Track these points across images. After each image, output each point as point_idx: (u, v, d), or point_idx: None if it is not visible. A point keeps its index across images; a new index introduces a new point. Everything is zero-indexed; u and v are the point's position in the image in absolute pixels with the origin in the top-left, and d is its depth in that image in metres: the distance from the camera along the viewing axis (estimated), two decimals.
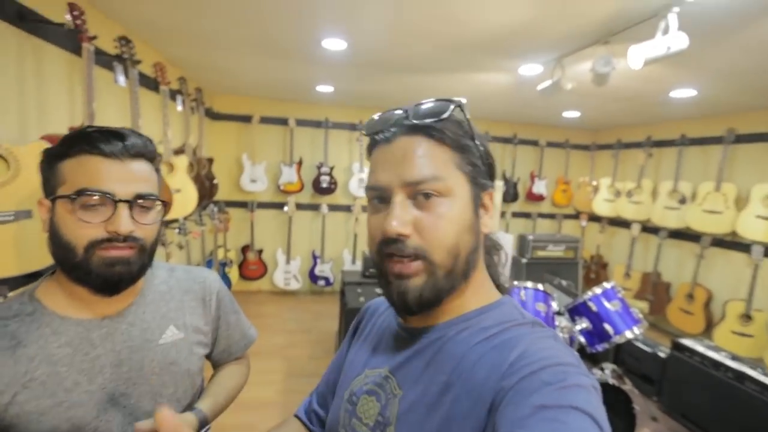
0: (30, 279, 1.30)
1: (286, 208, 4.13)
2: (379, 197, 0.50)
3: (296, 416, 0.74)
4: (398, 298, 0.49)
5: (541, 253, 3.40)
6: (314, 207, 4.37)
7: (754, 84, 2.46)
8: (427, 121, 0.49)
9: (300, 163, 4.23)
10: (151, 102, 2.36)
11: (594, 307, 1.69)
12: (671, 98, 2.95)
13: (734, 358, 2.02)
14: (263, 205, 4.27)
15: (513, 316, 0.50)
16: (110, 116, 1.94)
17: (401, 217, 0.47)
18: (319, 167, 4.25)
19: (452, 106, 0.49)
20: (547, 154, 4.84)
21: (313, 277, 4.33)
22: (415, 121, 0.49)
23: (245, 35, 2.14)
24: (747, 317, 3.04)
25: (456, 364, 0.47)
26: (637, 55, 1.49)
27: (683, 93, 2.78)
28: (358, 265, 4.30)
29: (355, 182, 4.31)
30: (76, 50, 1.58)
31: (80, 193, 0.61)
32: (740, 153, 3.30)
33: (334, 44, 2.20)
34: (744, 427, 1.83)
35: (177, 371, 0.74)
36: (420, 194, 0.47)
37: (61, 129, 1.53)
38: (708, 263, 3.45)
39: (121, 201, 0.63)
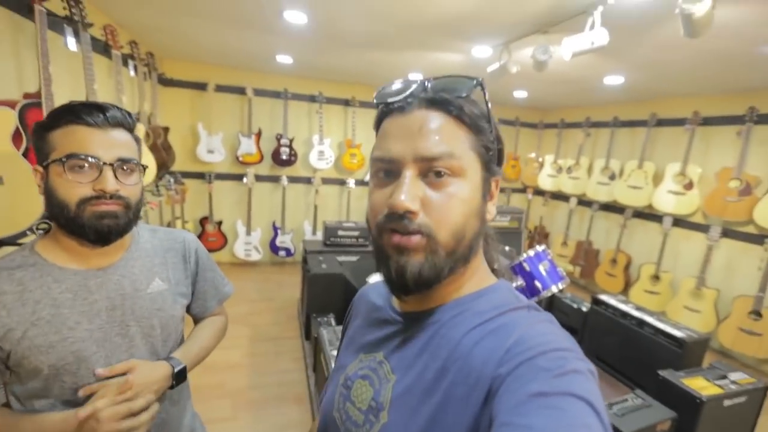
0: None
1: (245, 180, 4.12)
2: (386, 170, 0.48)
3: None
4: (396, 273, 0.47)
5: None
6: (274, 179, 4.38)
7: (667, 74, 2.80)
8: (448, 96, 0.47)
9: (259, 134, 4.19)
10: (102, 67, 2.28)
11: (527, 267, 1.97)
12: (604, 84, 3.26)
13: (638, 308, 2.43)
14: (221, 177, 4.23)
15: (508, 300, 0.49)
16: (64, 81, 1.88)
17: (411, 193, 0.45)
18: (278, 138, 4.24)
19: (473, 83, 0.47)
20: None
21: (274, 248, 4.41)
22: (434, 95, 0.47)
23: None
24: (656, 278, 3.55)
25: (452, 350, 0.46)
26: (567, 48, 1.70)
27: (613, 80, 3.09)
28: (319, 236, 4.42)
29: (315, 154, 4.36)
30: (22, 11, 1.53)
31: (69, 157, 0.71)
32: (660, 135, 3.73)
33: (296, 17, 2.22)
34: (642, 362, 2.24)
35: (163, 315, 0.86)
36: (432, 171, 0.46)
37: (13, 95, 1.50)
38: (629, 232, 3.94)
39: (105, 164, 0.73)
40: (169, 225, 3.52)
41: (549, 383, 0.37)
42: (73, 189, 0.71)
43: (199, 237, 4.15)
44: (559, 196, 4.83)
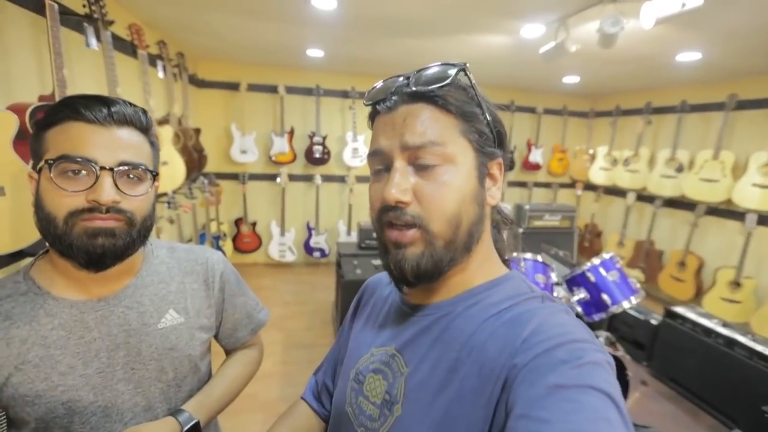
0: (3, 261, 1.25)
1: (278, 180, 4.04)
2: (380, 166, 0.49)
3: (303, 399, 0.72)
4: (395, 267, 0.48)
5: (537, 223, 3.39)
6: (307, 178, 4.27)
7: (762, 46, 2.36)
8: (430, 87, 0.46)
9: (291, 133, 4.10)
10: (128, 68, 2.22)
11: (592, 278, 1.68)
12: (676, 62, 2.84)
13: (725, 325, 2.06)
14: (255, 177, 4.17)
15: (522, 290, 0.49)
16: (84, 84, 1.81)
17: (400, 184, 0.46)
18: (311, 137, 4.12)
19: (454, 71, 0.46)
20: (544, 122, 4.74)
21: (308, 249, 4.31)
22: (416, 88, 0.47)
23: None
24: (736, 284, 3.09)
25: (465, 341, 0.46)
26: (648, 14, 1.40)
27: (688, 56, 2.68)
28: (354, 237, 4.27)
29: (349, 152, 4.20)
30: (40, 10, 1.44)
31: (59, 159, 0.57)
32: (740, 120, 3.24)
33: (324, 3, 2.04)
34: (733, 390, 1.88)
35: (177, 356, 0.71)
36: (420, 161, 0.46)
37: (31, 97, 1.42)
38: (701, 231, 3.47)
39: (103, 168, 0.58)
40: (204, 227, 3.50)
41: (567, 375, 0.36)
42: (62, 198, 0.57)
43: (234, 238, 4.13)
44: (614, 191, 4.38)
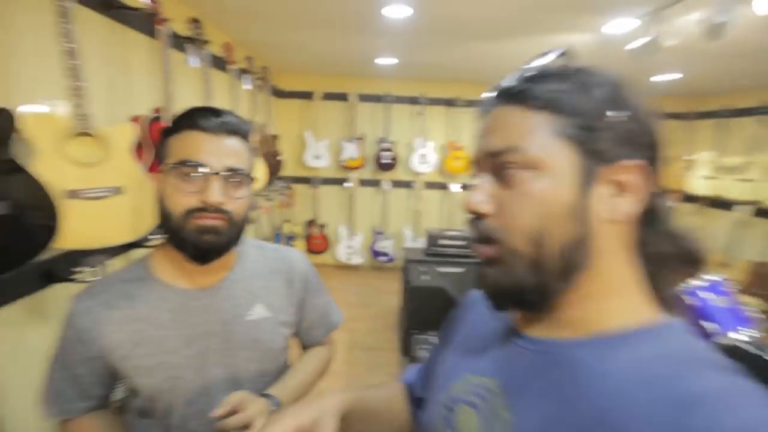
0: (122, 250, 1.44)
1: (348, 184, 4.19)
2: (473, 174, 0.46)
3: (405, 383, 0.68)
4: (480, 284, 0.44)
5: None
6: (375, 183, 4.37)
7: None
8: (512, 84, 0.41)
9: (361, 139, 4.23)
10: (220, 81, 2.46)
11: (695, 301, 1.48)
12: None
13: None
14: (326, 181, 4.37)
15: (691, 352, 0.35)
16: (185, 97, 2.04)
17: (480, 193, 0.42)
18: (380, 143, 4.21)
19: (548, 59, 0.41)
20: None
21: (375, 253, 4.39)
22: (502, 89, 0.42)
23: (305, 8, 2.11)
24: None
25: (599, 410, 0.34)
26: None
27: None
28: (420, 243, 4.26)
29: (417, 158, 4.22)
30: (152, 33, 1.66)
31: (179, 163, 0.65)
32: None
33: (397, 11, 2.08)
34: None
35: (260, 348, 0.77)
36: (502, 168, 0.40)
37: (147, 110, 1.64)
38: None
39: (214, 173, 0.66)
40: (278, 228, 3.74)
41: None
42: (180, 198, 0.66)
43: (306, 239, 4.35)
44: (720, 203, 3.83)
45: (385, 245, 4.38)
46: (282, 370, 0.83)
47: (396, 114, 4.25)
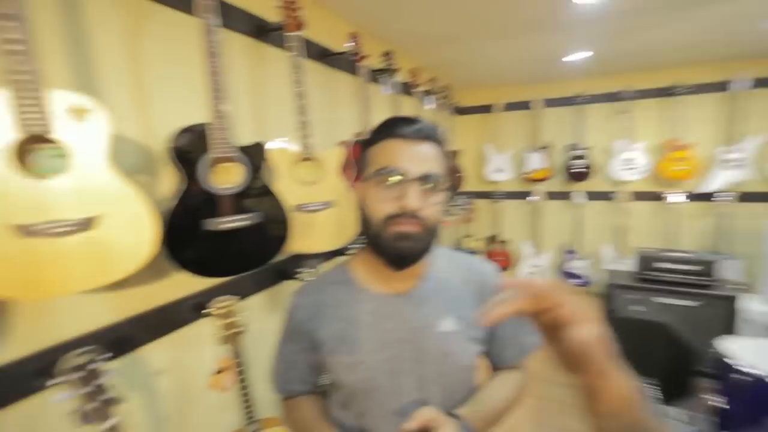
0: (331, 255, 1.69)
1: (532, 198, 3.87)
2: None
3: None
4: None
5: None
6: (565, 195, 3.89)
7: None
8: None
9: (547, 148, 3.85)
10: (406, 104, 2.66)
11: None
12: None
13: None
14: (507, 195, 4.15)
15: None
16: (379, 121, 2.28)
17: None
18: (570, 150, 3.74)
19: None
20: None
21: (566, 274, 3.87)
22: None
23: (489, 19, 2.08)
24: None
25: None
26: None
27: None
28: (625, 265, 3.53)
29: (619, 164, 3.54)
30: (354, 71, 1.92)
31: (379, 171, 0.68)
32: None
33: None
34: None
35: (452, 362, 0.73)
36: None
37: (350, 135, 1.90)
38: None
39: (411, 179, 0.66)
40: (459, 243, 3.75)
41: None
42: (380, 204, 0.68)
43: (487, 256, 4.21)
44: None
45: (578, 266, 3.80)
46: (470, 388, 0.77)
47: (589, 116, 3.71)
